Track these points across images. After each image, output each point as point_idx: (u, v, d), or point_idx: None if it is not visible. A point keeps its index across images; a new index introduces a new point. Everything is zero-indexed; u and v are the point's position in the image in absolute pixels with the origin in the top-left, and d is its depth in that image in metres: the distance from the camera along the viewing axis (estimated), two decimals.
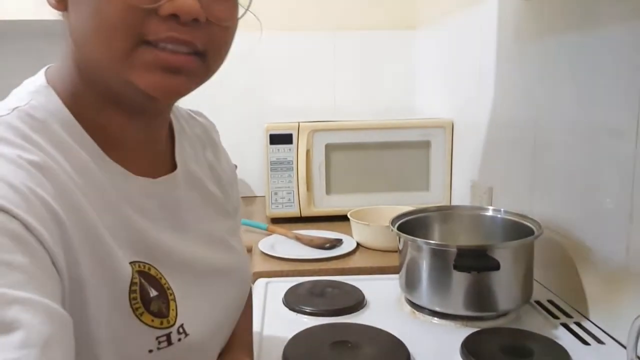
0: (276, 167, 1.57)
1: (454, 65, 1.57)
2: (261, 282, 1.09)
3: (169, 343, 0.48)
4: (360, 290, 1.01)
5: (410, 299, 0.95)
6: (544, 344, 0.80)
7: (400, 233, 0.95)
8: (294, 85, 1.98)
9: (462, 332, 0.84)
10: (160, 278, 0.49)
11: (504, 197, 1.23)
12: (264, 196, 1.66)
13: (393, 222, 1.01)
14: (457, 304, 0.88)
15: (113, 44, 0.43)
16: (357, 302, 0.96)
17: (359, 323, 0.88)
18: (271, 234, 1.45)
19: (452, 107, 1.60)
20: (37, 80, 0.49)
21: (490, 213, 1.07)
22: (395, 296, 1.00)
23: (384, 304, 0.98)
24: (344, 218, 1.40)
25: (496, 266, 0.84)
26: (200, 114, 0.69)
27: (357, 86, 2.00)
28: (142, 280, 0.46)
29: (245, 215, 1.67)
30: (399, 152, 1.59)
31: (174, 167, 0.56)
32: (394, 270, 1.02)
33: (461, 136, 1.52)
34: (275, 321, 0.92)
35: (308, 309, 0.94)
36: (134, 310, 0.46)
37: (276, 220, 1.59)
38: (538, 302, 0.97)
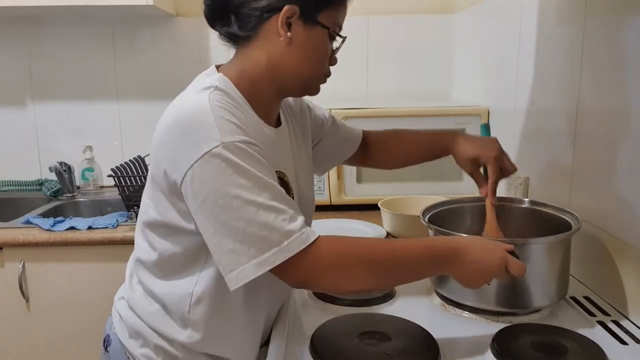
0: None
1: (492, 50, 1.52)
2: None
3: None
4: None
5: (440, 292, 0.93)
6: (578, 342, 0.77)
7: (430, 225, 0.93)
8: None
9: (493, 327, 0.83)
10: (288, 181, 0.86)
11: (541, 188, 1.19)
12: None
13: (424, 213, 0.99)
14: (488, 299, 0.86)
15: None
16: (387, 293, 0.95)
17: (387, 314, 0.88)
18: None
19: (488, 94, 1.55)
20: (215, 74, 0.80)
21: (526, 205, 1.04)
22: (426, 288, 0.99)
23: (413, 296, 0.97)
24: (374, 207, 1.39)
25: None
26: None
27: (390, 72, 1.97)
28: (282, 178, 0.84)
29: None
30: None
31: (279, 123, 0.90)
32: None
33: (497, 124, 1.47)
34: (304, 309, 0.92)
35: (337, 298, 0.94)
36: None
37: None
38: (574, 299, 0.94)
